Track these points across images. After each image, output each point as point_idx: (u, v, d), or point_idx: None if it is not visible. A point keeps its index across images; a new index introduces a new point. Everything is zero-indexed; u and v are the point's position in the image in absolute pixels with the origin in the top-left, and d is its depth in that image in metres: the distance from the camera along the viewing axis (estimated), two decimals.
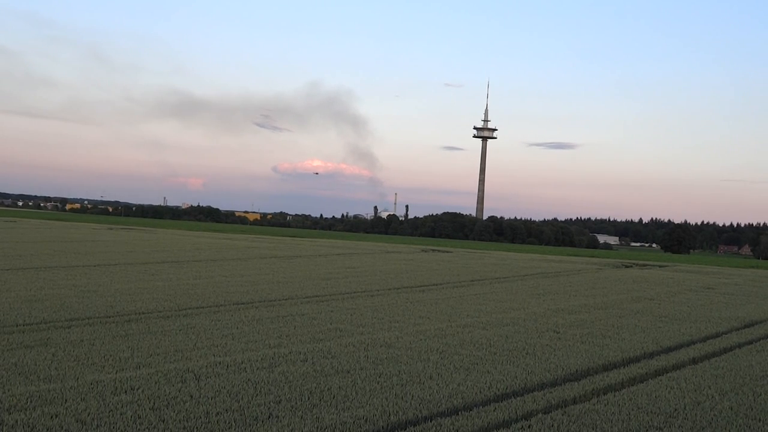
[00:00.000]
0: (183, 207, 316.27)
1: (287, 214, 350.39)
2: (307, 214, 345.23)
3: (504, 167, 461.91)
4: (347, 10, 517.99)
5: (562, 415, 14.46)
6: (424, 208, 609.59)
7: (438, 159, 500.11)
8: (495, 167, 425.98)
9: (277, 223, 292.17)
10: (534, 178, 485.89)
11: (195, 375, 16.10)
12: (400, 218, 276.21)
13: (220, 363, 17.27)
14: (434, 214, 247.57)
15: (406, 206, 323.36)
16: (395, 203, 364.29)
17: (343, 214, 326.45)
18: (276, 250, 71.79)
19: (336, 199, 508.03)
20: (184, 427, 12.30)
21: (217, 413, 13.18)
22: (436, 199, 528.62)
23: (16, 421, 12.26)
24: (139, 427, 12.28)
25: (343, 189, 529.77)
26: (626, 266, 75.82)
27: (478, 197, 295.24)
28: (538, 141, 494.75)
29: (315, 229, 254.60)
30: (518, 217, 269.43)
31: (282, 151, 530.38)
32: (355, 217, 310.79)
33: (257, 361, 17.72)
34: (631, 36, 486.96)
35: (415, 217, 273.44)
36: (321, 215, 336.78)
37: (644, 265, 79.73)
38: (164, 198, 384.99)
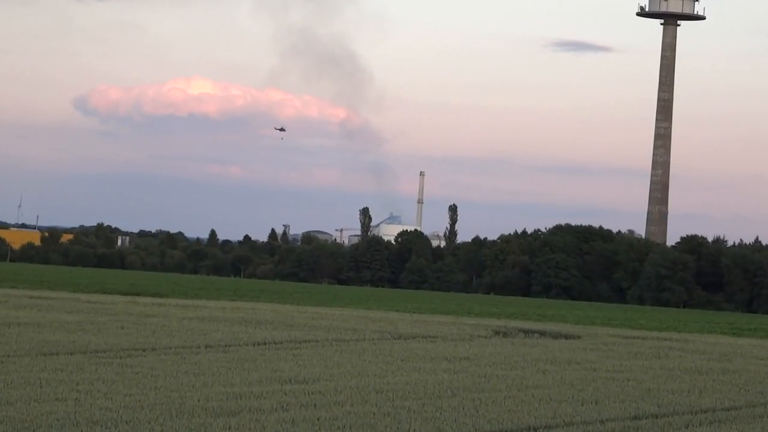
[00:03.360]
0: None
1: (118, 231, 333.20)
2: (175, 231, 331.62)
3: (725, 100, 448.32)
4: None
5: None
6: (498, 212, 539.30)
7: (538, 80, 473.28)
8: (701, 100, 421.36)
9: (89, 257, 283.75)
10: None
11: None
12: (436, 241, 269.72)
13: None
14: (531, 231, 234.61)
15: (451, 208, 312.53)
16: (420, 201, 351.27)
17: (274, 231, 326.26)
18: (84, 331, 71.48)
19: (255, 189, 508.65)
20: None
21: None
22: (532, 190, 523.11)
23: None
24: None
25: (278, 161, 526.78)
26: None
27: (652, 183, 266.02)
28: None
29: (196, 273, 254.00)
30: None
31: (103, 56, 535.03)
32: (308, 239, 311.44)
33: None
34: None
35: (476, 239, 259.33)
36: (213, 234, 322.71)
37: None
38: None
